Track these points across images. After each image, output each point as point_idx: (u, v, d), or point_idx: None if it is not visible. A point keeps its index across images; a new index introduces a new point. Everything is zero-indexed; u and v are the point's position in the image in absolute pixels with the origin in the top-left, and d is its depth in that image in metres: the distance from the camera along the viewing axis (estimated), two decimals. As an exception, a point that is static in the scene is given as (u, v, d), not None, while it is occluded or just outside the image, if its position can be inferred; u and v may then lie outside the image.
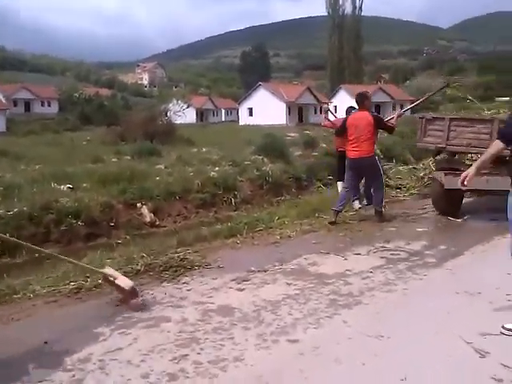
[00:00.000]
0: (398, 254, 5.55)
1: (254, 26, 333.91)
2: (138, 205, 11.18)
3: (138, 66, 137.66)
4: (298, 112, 60.89)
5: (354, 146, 7.13)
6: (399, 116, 7.87)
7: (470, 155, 8.16)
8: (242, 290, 4.58)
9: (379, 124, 7.23)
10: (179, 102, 35.64)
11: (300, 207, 8.92)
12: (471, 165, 7.91)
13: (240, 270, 5.15)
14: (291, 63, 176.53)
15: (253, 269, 5.15)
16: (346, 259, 5.44)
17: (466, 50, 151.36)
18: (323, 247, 5.90)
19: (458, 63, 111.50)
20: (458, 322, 3.63)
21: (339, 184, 9.53)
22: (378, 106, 62.59)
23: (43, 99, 69.28)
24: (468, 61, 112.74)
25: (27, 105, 67.58)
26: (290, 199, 12.83)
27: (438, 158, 8.31)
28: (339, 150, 8.40)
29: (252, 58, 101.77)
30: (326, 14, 74.72)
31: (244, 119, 59.63)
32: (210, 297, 4.42)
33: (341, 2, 72.41)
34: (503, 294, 4.11)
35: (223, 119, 77.81)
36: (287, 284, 4.67)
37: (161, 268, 5.27)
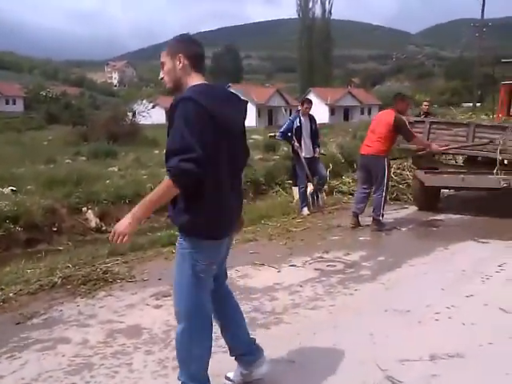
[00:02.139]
0: (334, 266, 5.29)
1: (225, 27, 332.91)
2: (84, 209, 10.71)
3: (108, 64, 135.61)
4: (267, 114, 60.76)
5: (367, 141, 6.98)
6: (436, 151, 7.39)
7: (446, 156, 8.80)
8: (159, 307, 4.23)
9: (398, 129, 6.70)
10: (144, 101, 34.98)
11: (248, 213, 8.62)
12: (448, 164, 8.34)
13: (164, 283, 4.79)
14: (263, 65, 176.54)
15: (178, 282, 4.80)
16: (279, 271, 5.15)
17: (433, 55, 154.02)
18: (259, 258, 5.60)
19: (426, 68, 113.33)
20: (379, 346, 3.36)
21: (295, 189, 9.34)
22: (346, 110, 63.08)
23: (8, 97, 67.41)
24: (436, 66, 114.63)
25: (-10, 103, 65.67)
26: (245, 204, 12.55)
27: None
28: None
29: (223, 59, 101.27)
30: (296, 16, 75.09)
31: (214, 121, 58.92)
32: (122, 315, 4.07)
33: (311, 5, 72.92)
34: (432, 313, 3.87)
35: (193, 120, 76.96)
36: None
37: (79, 281, 4.89)
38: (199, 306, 2.52)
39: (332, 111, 61.55)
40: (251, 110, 58.02)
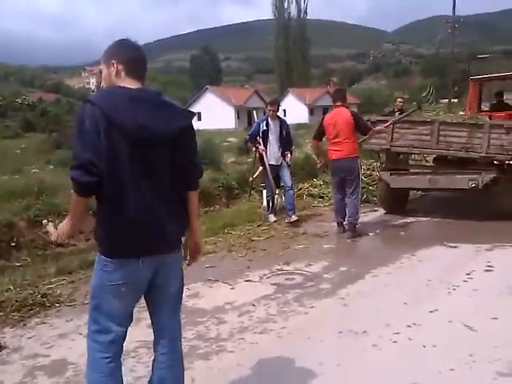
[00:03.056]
0: (293, 279, 4.93)
1: (203, 30, 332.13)
2: (44, 221, 10.18)
3: (85, 69, 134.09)
4: (247, 116, 60.45)
5: (334, 145, 6.52)
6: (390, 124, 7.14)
7: (413, 155, 8.58)
8: (92, 336, 3.82)
9: (357, 123, 6.52)
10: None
11: (212, 222, 8.23)
12: (414, 165, 8.05)
13: (106, 306, 4.39)
14: (242, 67, 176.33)
15: (120, 305, 4.39)
16: (233, 288, 4.77)
17: (410, 52, 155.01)
18: (214, 273, 5.22)
19: (403, 66, 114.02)
20: (326, 377, 3.00)
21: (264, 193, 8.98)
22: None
23: (-19, 105, 66.04)
24: (413, 63, 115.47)
25: (-37, 111, 64.06)
26: (218, 209, 12.15)
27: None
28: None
29: (201, 60, 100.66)
30: (273, 17, 74.89)
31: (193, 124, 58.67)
32: (51, 347, 3.65)
33: (286, 6, 72.81)
34: (391, 333, 3.53)
35: (172, 124, 76.46)
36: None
37: (13, 307, 4.45)
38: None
39: (311, 111, 61.47)
40: (229, 112, 57.71)
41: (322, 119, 6.91)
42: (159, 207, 2.25)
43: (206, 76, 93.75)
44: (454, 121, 6.95)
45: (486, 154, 6.43)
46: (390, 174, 7.20)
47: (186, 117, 2.36)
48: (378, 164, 8.99)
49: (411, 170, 7.42)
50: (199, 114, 59.95)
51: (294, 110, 58.57)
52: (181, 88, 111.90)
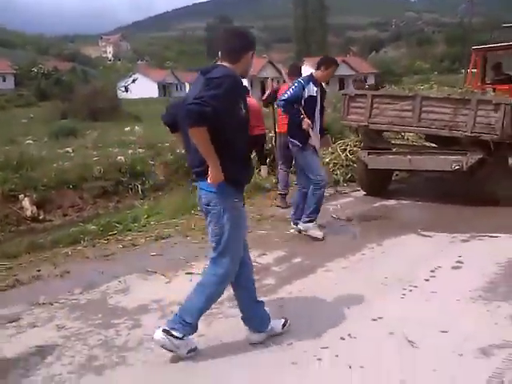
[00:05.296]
0: (239, 273, 4.44)
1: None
2: (21, 196, 9.84)
3: (102, 38, 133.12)
4: (260, 86, 59.41)
5: (282, 119, 6.38)
6: None
7: (405, 134, 8.10)
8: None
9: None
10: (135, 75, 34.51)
11: (185, 201, 7.75)
12: (398, 144, 7.43)
13: (24, 301, 3.97)
14: (261, 36, 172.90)
15: (40, 301, 3.96)
16: (168, 282, 4.31)
17: (433, 21, 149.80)
18: (157, 262, 4.77)
19: (426, 34, 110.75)
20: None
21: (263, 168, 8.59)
22: (341, 79, 61.53)
23: (-3, 74, 66.07)
24: (436, 32, 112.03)
25: (-22, 79, 64.22)
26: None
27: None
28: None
29: (217, 30, 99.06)
30: (291, -16, 73.08)
31: (205, 94, 57.97)
32: None
33: (305, -28, 70.97)
34: (317, 347, 3.02)
35: (187, 93, 75.73)
36: (58, 327, 3.51)
37: None
38: None
39: (327, 81, 60.15)
40: (243, 82, 56.83)
41: (277, 88, 6.91)
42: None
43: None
44: (438, 95, 6.25)
45: (471, 133, 5.76)
46: (368, 154, 6.60)
47: (203, 84, 2.80)
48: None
49: (391, 150, 6.77)
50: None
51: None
52: (196, 57, 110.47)
